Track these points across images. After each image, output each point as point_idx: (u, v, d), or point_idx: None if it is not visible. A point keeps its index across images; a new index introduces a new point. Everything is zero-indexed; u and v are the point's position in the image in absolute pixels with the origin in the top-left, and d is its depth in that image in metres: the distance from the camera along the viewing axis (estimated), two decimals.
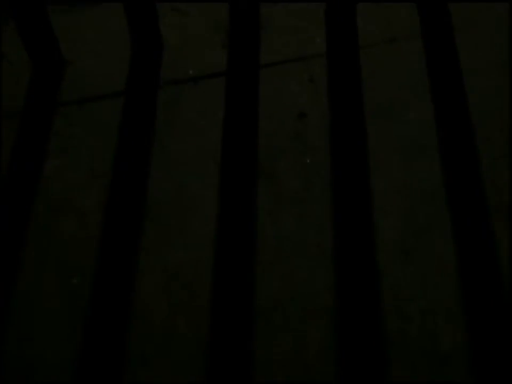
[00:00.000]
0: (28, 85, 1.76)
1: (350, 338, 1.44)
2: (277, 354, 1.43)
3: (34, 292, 1.50)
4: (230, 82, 1.77)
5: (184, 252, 1.55)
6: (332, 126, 1.72)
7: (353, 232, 1.57)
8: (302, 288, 1.51)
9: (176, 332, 1.45)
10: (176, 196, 1.65)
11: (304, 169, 1.68)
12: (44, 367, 1.42)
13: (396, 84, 1.76)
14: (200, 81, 1.77)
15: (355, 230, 1.57)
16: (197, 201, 1.64)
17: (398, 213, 1.62)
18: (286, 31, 1.83)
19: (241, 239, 1.57)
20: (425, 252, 1.53)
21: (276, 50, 1.80)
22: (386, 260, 1.53)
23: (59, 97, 1.75)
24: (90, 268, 1.53)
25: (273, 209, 1.63)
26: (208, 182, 1.66)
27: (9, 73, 1.77)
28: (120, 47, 1.80)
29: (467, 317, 1.45)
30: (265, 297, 1.49)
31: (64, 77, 1.77)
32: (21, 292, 1.51)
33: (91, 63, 1.79)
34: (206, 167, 1.67)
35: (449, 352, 1.42)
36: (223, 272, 1.51)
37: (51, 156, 1.69)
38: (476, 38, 1.80)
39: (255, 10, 1.80)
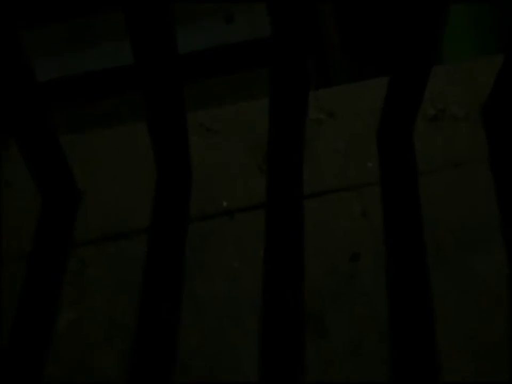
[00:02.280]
0: (36, 221, 1.52)
1: None
2: None
3: None
4: (270, 216, 1.53)
5: None
6: (388, 269, 1.48)
7: None
8: None
9: None
10: (209, 353, 1.41)
11: (358, 320, 1.45)
12: None
13: (462, 218, 1.52)
14: (235, 215, 1.53)
15: None
16: (233, 362, 1.41)
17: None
18: (333, 154, 1.60)
19: None
20: None
21: (322, 178, 1.57)
22: None
23: (73, 236, 1.52)
24: None
25: (324, 369, 1.39)
26: (245, 339, 1.42)
27: (13, 206, 1.53)
28: (142, 174, 1.57)
29: None
30: None
31: (79, 210, 1.54)
32: None
33: (109, 193, 1.55)
34: (242, 319, 1.44)
35: None
36: None
37: (64, 307, 1.45)
38: None
39: (299, 129, 1.57)
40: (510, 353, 1.43)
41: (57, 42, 3.37)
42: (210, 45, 3.09)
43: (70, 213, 1.53)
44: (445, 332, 1.44)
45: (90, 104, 3.31)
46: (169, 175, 1.55)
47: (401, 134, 1.60)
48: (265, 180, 1.56)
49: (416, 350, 1.43)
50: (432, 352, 1.42)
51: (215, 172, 1.58)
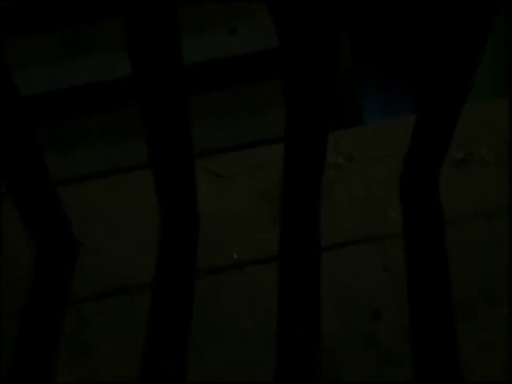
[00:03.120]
0: (31, 274, 1.41)
1: None
2: None
3: None
4: (284, 270, 1.41)
5: None
6: (412, 330, 1.36)
7: None
8: None
9: None
10: None
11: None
12: None
13: (492, 274, 1.40)
14: (246, 268, 1.42)
15: None
16: None
17: None
18: (352, 201, 1.48)
19: None
20: None
21: (340, 228, 1.45)
22: None
23: (71, 291, 1.41)
24: None
25: None
26: None
27: (6, 258, 1.42)
28: (145, 225, 1.45)
29: None
30: None
31: (77, 263, 1.43)
32: None
33: (110, 244, 1.44)
34: None
35: None
36: None
37: (61, 370, 1.34)
38: None
39: (316, 175, 1.45)
40: None
41: (47, 51, 3.24)
42: (213, 56, 2.97)
43: (67, 267, 1.41)
44: None
45: (81, 118, 3.18)
46: (175, 225, 1.44)
47: (427, 180, 1.48)
48: (279, 230, 1.45)
49: None
50: None
51: (224, 221, 1.46)
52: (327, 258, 1.43)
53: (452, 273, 1.40)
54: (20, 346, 1.35)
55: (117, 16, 1.16)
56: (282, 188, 1.47)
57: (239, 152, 1.55)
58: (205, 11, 3.40)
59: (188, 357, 1.33)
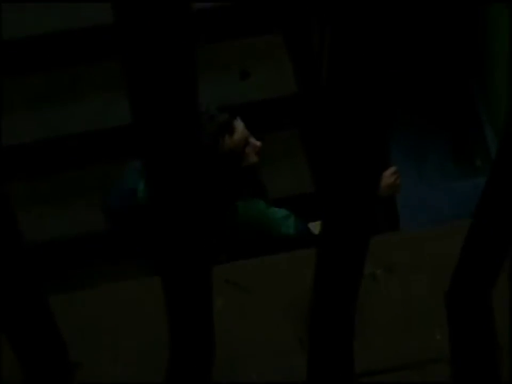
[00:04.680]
0: None
1: None
2: None
3: None
4: None
5: None
6: None
7: None
8: None
9: None
10: None
11: None
12: None
13: None
14: None
15: None
16: None
17: None
18: (391, 320, 1.29)
19: None
20: None
21: (377, 352, 1.25)
22: None
23: None
24: None
25: None
26: None
27: None
28: (152, 339, 1.26)
29: None
30: None
31: None
32: None
33: (109, 365, 1.25)
34: None
35: None
36: None
37: None
38: None
39: (351, 290, 1.25)
40: None
41: (38, 95, 3.05)
42: (225, 101, 2.80)
43: None
44: None
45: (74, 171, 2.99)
46: (187, 346, 1.24)
47: (479, 297, 1.28)
48: (307, 354, 1.25)
49: None
50: None
51: (243, 342, 1.26)
52: None
53: None
54: None
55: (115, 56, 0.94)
56: (311, 303, 1.28)
57: (260, 259, 1.36)
58: (214, 51, 3.20)
59: None
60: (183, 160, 0.91)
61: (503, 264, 1.23)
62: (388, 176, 2.42)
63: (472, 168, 3.79)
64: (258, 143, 2.25)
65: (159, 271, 1.15)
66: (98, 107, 2.99)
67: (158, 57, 0.82)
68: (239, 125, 2.21)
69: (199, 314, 1.22)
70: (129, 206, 2.23)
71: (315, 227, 2.30)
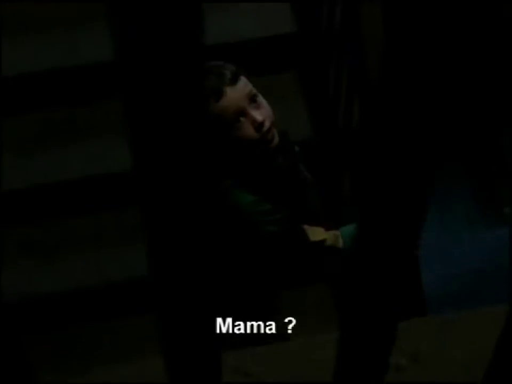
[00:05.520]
0: None
1: None
2: None
3: None
4: None
5: None
6: None
7: None
8: None
9: None
10: None
11: None
12: None
13: None
14: None
15: None
16: None
17: None
18: None
19: None
20: None
21: None
22: None
23: None
24: None
25: None
26: None
27: None
28: None
29: None
30: None
31: None
32: None
33: None
34: None
35: None
36: None
37: None
38: None
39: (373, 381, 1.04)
40: None
41: (28, 139, 2.86)
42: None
43: None
44: None
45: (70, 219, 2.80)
46: None
47: None
48: None
49: None
50: None
51: None
52: None
53: None
54: None
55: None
56: None
57: (272, 345, 1.19)
58: None
59: None
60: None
61: None
62: None
63: (500, 216, 3.59)
64: (259, 118, 2.00)
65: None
66: (97, 151, 2.83)
67: (164, 97, 0.75)
68: (233, 91, 1.98)
69: None
70: None
71: (310, 231, 2.04)
